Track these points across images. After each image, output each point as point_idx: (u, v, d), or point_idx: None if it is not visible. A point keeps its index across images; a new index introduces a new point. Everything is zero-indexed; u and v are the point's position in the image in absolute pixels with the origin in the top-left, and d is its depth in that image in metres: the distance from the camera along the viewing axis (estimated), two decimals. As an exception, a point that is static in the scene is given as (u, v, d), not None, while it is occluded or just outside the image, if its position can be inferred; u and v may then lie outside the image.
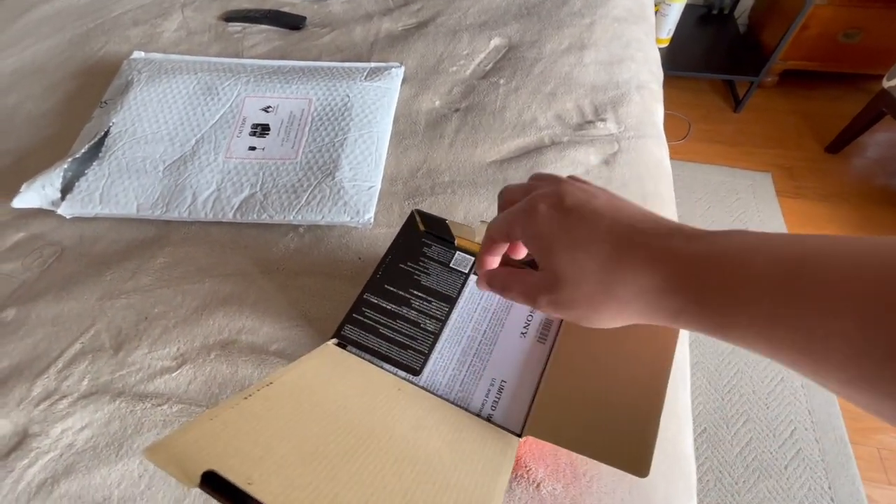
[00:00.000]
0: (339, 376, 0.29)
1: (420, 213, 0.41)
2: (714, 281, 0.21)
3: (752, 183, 1.43)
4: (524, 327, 0.35)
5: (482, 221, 0.38)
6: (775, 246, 0.21)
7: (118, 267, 0.51)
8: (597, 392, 0.29)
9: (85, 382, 0.43)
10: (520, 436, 0.31)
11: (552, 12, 0.78)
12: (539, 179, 0.31)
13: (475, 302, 0.37)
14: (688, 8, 1.74)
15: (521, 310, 0.37)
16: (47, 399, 0.42)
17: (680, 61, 1.57)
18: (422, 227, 0.41)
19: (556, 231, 0.26)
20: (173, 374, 0.43)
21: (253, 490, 0.19)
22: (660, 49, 1.55)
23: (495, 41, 0.74)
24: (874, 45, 1.42)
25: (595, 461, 0.36)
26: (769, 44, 1.52)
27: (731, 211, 1.34)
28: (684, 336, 0.46)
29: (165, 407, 0.41)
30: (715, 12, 1.74)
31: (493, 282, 0.31)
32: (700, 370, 1.10)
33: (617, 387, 0.29)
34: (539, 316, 0.37)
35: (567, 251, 0.26)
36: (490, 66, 0.70)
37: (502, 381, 0.33)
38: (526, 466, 0.36)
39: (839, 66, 1.52)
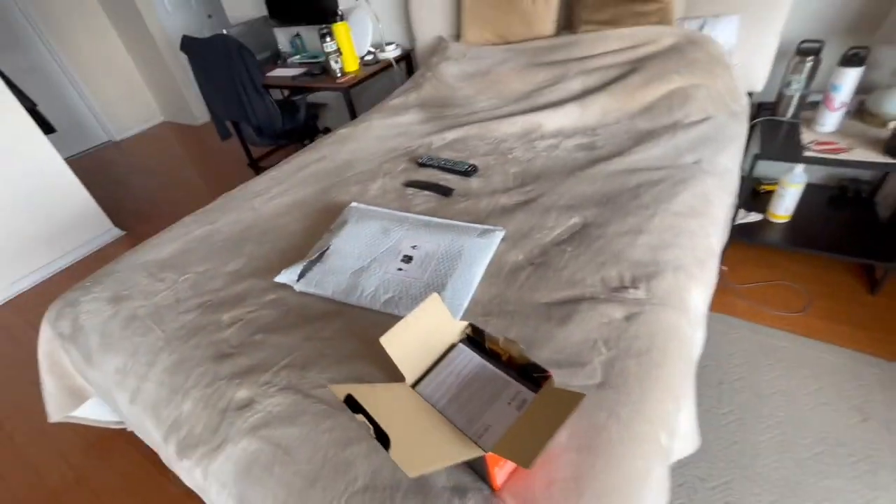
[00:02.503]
0: (409, 395, 0.57)
1: (472, 325, 0.69)
2: None
3: (879, 372, 1.30)
4: (510, 401, 0.59)
5: (506, 338, 0.64)
6: None
7: (315, 322, 0.89)
8: (530, 431, 0.51)
9: (284, 382, 0.78)
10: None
11: (624, 203, 1.05)
12: None
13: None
14: (820, 189, 1.81)
15: (510, 393, 0.61)
16: (265, 385, 0.78)
17: (804, 237, 1.61)
18: (471, 334, 0.69)
19: None
20: (325, 389, 0.76)
21: (372, 411, 0.47)
22: (776, 223, 1.64)
23: (574, 219, 1.03)
24: None
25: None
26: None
27: (848, 397, 1.23)
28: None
29: (316, 405, 0.73)
30: (850, 195, 1.75)
31: None
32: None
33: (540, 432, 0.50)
34: (526, 395, 0.60)
35: None
36: (565, 236, 0.99)
37: (489, 425, 0.56)
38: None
39: None
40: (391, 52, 2.33)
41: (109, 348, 0.96)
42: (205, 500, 0.76)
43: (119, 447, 1.44)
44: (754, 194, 1.82)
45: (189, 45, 2.17)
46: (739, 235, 1.67)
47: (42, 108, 2.55)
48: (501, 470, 0.57)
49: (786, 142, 1.46)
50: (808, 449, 1.16)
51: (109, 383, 0.93)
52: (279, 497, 0.65)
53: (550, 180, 1.20)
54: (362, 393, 0.52)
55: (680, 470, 1.15)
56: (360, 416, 0.49)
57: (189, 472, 0.75)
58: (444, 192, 1.23)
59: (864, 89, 1.51)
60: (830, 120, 1.44)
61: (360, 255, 1.00)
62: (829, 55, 1.53)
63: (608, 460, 0.60)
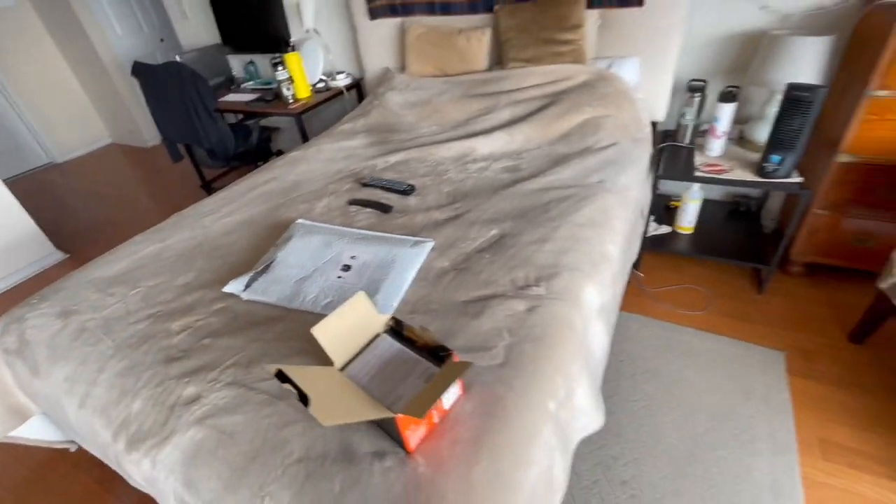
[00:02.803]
0: (335, 374, 0.68)
1: (394, 318, 0.82)
2: None
3: (763, 359, 1.53)
4: (420, 376, 0.71)
5: (421, 326, 0.77)
6: None
7: (260, 326, 0.99)
8: (429, 394, 0.63)
9: (230, 378, 0.87)
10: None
11: (537, 217, 1.22)
12: None
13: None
14: (720, 204, 2.09)
15: (419, 370, 0.73)
16: (212, 381, 0.87)
17: (705, 246, 1.85)
18: (393, 325, 0.81)
19: None
20: (269, 383, 0.85)
21: (297, 382, 0.58)
22: (683, 234, 1.88)
23: (493, 231, 1.19)
24: (888, 249, 1.55)
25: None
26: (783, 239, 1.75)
27: (736, 380, 1.45)
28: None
29: (259, 395, 0.83)
30: (743, 209, 2.04)
31: None
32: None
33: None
34: (433, 371, 0.72)
35: None
36: (484, 246, 1.14)
37: (401, 396, 0.68)
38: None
39: (859, 264, 1.65)
40: (342, 81, 2.47)
41: (58, 359, 1.00)
42: (152, 489, 0.83)
43: (62, 469, 1.43)
44: (666, 209, 2.07)
45: (141, 70, 2.23)
46: (653, 245, 1.89)
47: (-21, 130, 2.49)
48: (413, 434, 0.69)
49: (682, 164, 1.70)
50: (702, 426, 1.34)
51: (58, 392, 0.98)
52: (223, 475, 0.73)
53: (478, 198, 1.36)
54: (293, 370, 0.63)
55: (597, 451, 1.30)
56: (288, 385, 0.60)
57: (137, 465, 0.82)
58: (384, 209, 1.36)
59: (742, 120, 1.80)
60: (716, 146, 1.70)
61: (304, 266, 1.11)
62: (714, 92, 1.81)
63: (503, 422, 0.73)
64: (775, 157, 1.52)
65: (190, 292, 1.13)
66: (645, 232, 1.84)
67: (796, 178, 1.54)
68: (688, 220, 1.89)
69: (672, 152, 1.79)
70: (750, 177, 1.58)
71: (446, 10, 1.98)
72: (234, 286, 1.08)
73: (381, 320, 0.81)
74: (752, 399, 1.41)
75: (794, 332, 1.62)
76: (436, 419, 0.73)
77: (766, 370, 1.50)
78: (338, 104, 2.65)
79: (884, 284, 1.37)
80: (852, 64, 1.50)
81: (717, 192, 2.11)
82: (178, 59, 2.72)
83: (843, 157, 1.50)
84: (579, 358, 0.91)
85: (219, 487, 0.73)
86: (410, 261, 1.08)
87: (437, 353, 0.75)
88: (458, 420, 0.74)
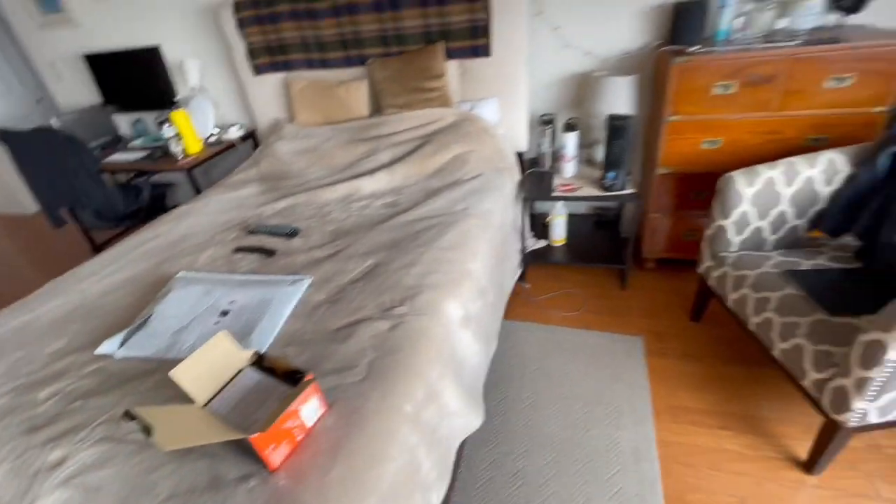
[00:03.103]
0: (195, 410, 0.75)
1: (255, 352, 0.90)
2: None
3: (625, 345, 1.78)
4: (276, 400, 0.80)
5: (278, 356, 0.86)
6: None
7: (134, 381, 1.01)
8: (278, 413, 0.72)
9: (100, 435, 0.89)
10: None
11: (407, 245, 1.37)
12: None
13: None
14: (586, 217, 2.40)
15: (276, 394, 0.82)
16: (80, 441, 0.88)
17: (577, 255, 2.13)
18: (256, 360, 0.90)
19: None
20: (138, 433, 0.88)
21: (143, 417, 0.64)
22: (557, 246, 2.14)
23: (369, 262, 1.31)
24: (715, 241, 1.92)
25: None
26: (638, 242, 2.07)
27: (604, 367, 1.68)
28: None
29: (128, 447, 0.86)
30: (604, 220, 2.37)
31: None
32: None
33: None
34: (287, 393, 0.82)
35: None
36: (359, 276, 1.26)
37: (258, 419, 0.76)
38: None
39: (691, 255, 1.99)
40: (235, 133, 2.53)
41: None
42: (16, 563, 0.81)
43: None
44: (543, 226, 2.34)
45: (7, 137, 2.13)
46: (534, 259, 2.13)
47: None
48: (274, 453, 0.77)
49: (543, 186, 1.97)
50: (580, 411, 1.53)
51: None
52: (89, 529, 0.75)
53: (358, 234, 1.48)
54: (146, 410, 0.69)
55: (491, 450, 1.43)
56: (133, 422, 0.66)
57: (-2, 541, 0.80)
58: (268, 253, 1.44)
59: (587, 145, 2.13)
60: (569, 168, 1.99)
61: (182, 317, 1.15)
62: (561, 123, 2.13)
63: (360, 428, 0.83)
64: (611, 174, 1.83)
65: (61, 358, 1.12)
66: (524, 248, 2.08)
67: (630, 190, 1.85)
68: (558, 233, 2.15)
69: (537, 177, 2.06)
70: (595, 192, 1.87)
71: (324, 65, 2.15)
72: (107, 347, 1.10)
73: (243, 356, 0.89)
74: (619, 381, 1.63)
75: (650, 319, 1.90)
76: (299, 437, 0.82)
77: (628, 355, 1.74)
78: (235, 154, 2.69)
79: (700, 269, 1.68)
80: (656, 96, 1.87)
81: (581, 207, 2.43)
82: (55, 121, 2.62)
83: (660, 170, 1.84)
84: (439, 364, 1.04)
85: (85, 542, 0.75)
86: (287, 298, 1.17)
87: (294, 377, 0.84)
88: (320, 434, 0.83)
